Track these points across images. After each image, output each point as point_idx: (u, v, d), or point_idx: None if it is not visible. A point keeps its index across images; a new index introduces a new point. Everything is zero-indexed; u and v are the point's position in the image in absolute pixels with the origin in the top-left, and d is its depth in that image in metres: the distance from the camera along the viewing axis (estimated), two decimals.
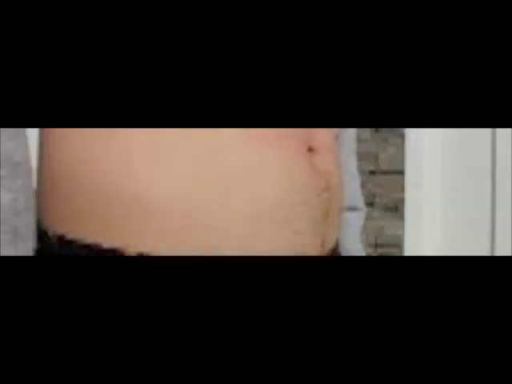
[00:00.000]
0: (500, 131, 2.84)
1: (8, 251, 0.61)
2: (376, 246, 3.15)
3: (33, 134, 0.68)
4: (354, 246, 0.93)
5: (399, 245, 3.14)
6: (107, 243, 0.63)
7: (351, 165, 0.94)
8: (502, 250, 2.95)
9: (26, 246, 0.63)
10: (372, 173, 3.07)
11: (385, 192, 3.10)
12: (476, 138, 2.93)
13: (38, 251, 0.66)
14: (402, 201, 3.10)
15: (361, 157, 3.01)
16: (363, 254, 0.94)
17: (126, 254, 0.63)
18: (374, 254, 3.10)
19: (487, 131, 2.88)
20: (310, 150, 0.70)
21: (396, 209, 3.12)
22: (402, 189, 3.05)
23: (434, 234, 3.16)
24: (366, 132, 3.03)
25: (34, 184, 0.67)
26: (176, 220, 0.63)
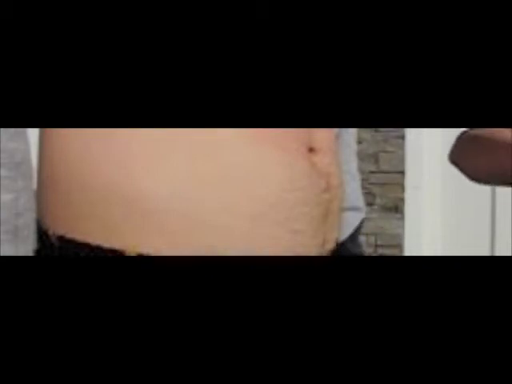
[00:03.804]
0: None
1: (8, 251, 0.61)
2: (376, 246, 3.14)
3: (33, 133, 0.68)
4: (354, 246, 0.93)
5: (399, 245, 3.14)
6: (107, 243, 0.63)
7: (351, 165, 0.94)
8: (501, 250, 2.95)
9: (26, 246, 0.63)
10: (372, 173, 3.07)
11: (385, 192, 3.10)
12: None
13: (38, 251, 0.66)
14: (402, 201, 3.10)
15: (361, 157, 3.01)
16: (363, 254, 0.94)
17: (126, 254, 0.63)
18: (373, 254, 3.09)
19: None
20: (311, 150, 0.70)
21: (396, 209, 3.12)
22: (402, 189, 3.05)
23: (434, 234, 3.16)
24: (366, 132, 3.03)
25: (35, 184, 0.67)
26: (176, 220, 0.63)
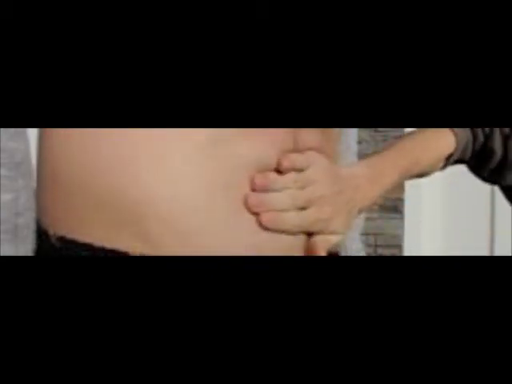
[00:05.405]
0: None
1: (8, 251, 0.61)
2: (376, 246, 3.15)
3: (33, 134, 0.68)
4: (354, 246, 0.93)
5: (399, 245, 3.14)
6: (108, 243, 0.63)
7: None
8: (501, 250, 2.95)
9: (25, 246, 0.63)
10: None
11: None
12: None
13: (38, 251, 0.66)
14: (401, 201, 3.10)
15: (361, 157, 3.01)
16: (363, 254, 0.94)
17: (127, 255, 0.63)
18: (373, 254, 3.10)
19: None
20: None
21: (396, 209, 3.12)
22: (402, 189, 3.05)
23: (434, 234, 3.16)
24: (366, 132, 3.03)
25: (34, 184, 0.67)
26: (178, 220, 0.63)
